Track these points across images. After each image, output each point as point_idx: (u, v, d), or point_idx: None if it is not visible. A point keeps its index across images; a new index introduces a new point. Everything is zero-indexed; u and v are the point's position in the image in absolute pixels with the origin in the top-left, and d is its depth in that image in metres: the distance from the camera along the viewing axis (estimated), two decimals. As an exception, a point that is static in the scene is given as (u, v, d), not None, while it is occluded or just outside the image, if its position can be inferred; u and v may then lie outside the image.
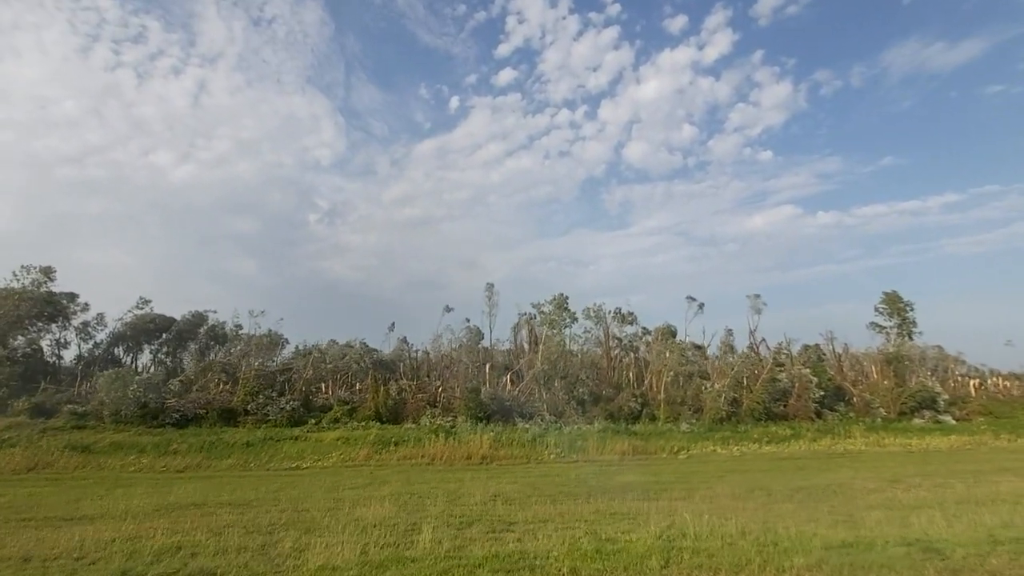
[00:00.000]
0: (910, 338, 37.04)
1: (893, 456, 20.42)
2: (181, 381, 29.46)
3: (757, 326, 40.84)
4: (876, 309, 37.35)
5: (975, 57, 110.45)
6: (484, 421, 27.72)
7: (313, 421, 25.56)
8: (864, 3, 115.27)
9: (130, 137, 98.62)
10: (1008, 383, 41.02)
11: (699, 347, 41.32)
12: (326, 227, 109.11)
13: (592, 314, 41.39)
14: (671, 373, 35.81)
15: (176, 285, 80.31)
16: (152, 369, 33.58)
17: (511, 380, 34.35)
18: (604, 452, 20.87)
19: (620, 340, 43.67)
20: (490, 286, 40.36)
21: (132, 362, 37.02)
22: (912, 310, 36.38)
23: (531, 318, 36.90)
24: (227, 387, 29.44)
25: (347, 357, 32.07)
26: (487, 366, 33.06)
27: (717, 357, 39.24)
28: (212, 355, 36.28)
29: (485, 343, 42.36)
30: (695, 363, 39.39)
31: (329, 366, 31.49)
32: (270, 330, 37.05)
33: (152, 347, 37.95)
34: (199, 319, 38.08)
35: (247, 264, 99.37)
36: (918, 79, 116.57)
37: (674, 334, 43.36)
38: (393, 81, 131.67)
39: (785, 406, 34.83)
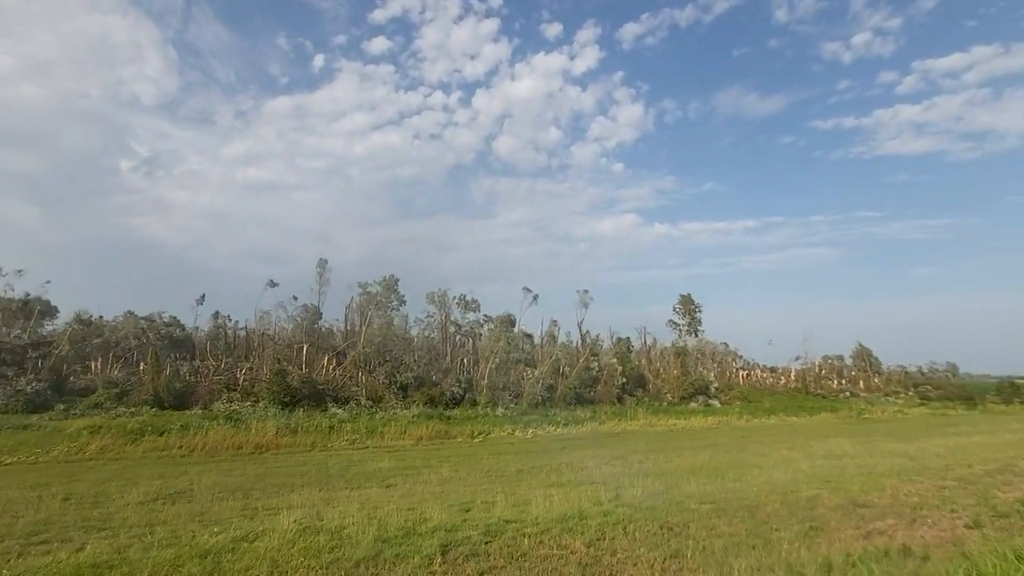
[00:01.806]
0: (696, 335, 43.43)
1: (654, 434, 23.65)
2: None
3: (584, 319, 44.38)
4: (674, 309, 43.09)
5: (778, 110, 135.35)
6: (290, 406, 25.99)
7: (62, 407, 21.41)
8: (703, 46, 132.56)
9: None
10: (765, 375, 50.23)
11: (528, 336, 43.76)
12: (143, 178, 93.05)
13: (436, 299, 41.39)
14: (496, 360, 37.33)
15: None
16: None
17: (335, 362, 32.75)
18: (404, 437, 20.81)
19: (460, 327, 44.34)
20: (323, 262, 37.80)
21: None
22: (700, 311, 42.70)
23: (367, 299, 35.47)
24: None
25: (123, 331, 27.50)
26: (304, 348, 31.01)
27: (540, 346, 41.85)
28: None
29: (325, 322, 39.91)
30: (524, 351, 41.64)
31: (96, 341, 26.69)
32: (27, 294, 30.26)
33: None
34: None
35: (25, 211, 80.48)
36: (737, 121, 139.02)
37: (513, 323, 45.23)
38: (246, 23, 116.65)
39: (594, 392, 38.69)
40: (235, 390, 26.36)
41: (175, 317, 37.01)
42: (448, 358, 39.41)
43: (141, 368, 27.40)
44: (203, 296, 38.15)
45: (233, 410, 23.87)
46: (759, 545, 4.86)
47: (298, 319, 38.92)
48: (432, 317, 41.45)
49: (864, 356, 46.70)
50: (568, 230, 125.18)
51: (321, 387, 28.37)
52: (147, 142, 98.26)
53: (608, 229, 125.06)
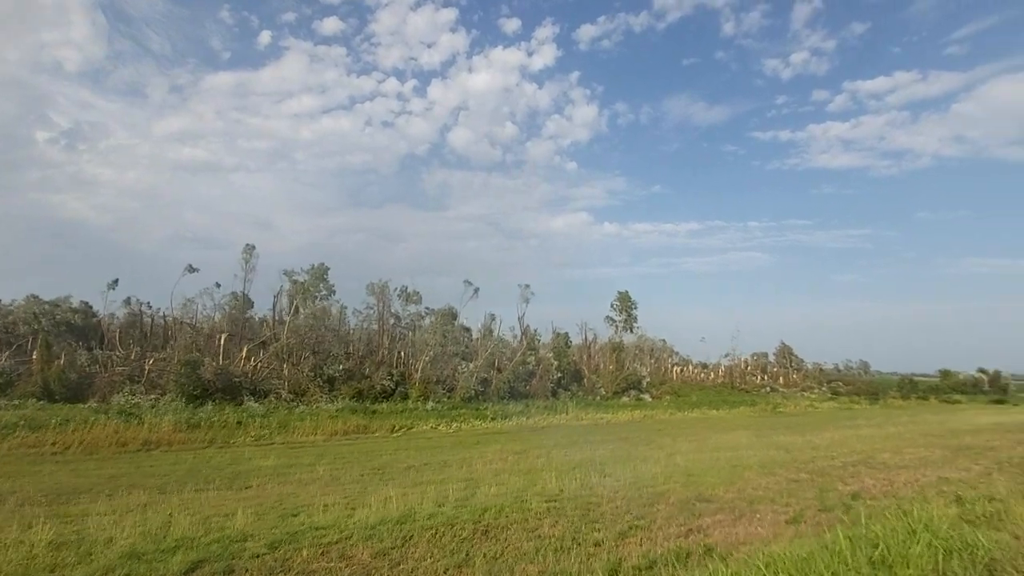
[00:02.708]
0: (631, 331, 44.54)
1: (576, 428, 23.96)
2: None
3: (524, 313, 44.47)
4: (611, 306, 43.96)
5: (722, 120, 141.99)
6: (200, 400, 24.61)
7: (-74, 399, 19.30)
8: (656, 53, 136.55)
9: None
10: (697, 370, 52.18)
11: (467, 330, 43.47)
12: (62, 151, 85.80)
13: (376, 290, 40.34)
14: (431, 353, 36.84)
15: None
16: None
17: (257, 354, 31.27)
18: (316, 433, 20.08)
19: (400, 319, 43.45)
20: (249, 248, 35.88)
21: None
22: (636, 308, 43.79)
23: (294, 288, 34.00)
24: None
25: (12, 316, 25.15)
26: (222, 337, 29.41)
27: (477, 340, 41.68)
28: None
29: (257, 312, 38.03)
30: (462, 345, 41.30)
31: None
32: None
33: None
34: None
35: (-82, 181, 72.37)
36: (684, 127, 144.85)
37: (456, 316, 44.73)
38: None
39: (529, 386, 38.96)
40: (139, 382, 24.65)
41: (87, 303, 34.36)
42: (386, 351, 38.60)
43: (33, 357, 25.16)
44: (116, 280, 35.62)
45: (134, 404, 22.32)
46: (567, 548, 4.80)
47: (226, 308, 37.05)
48: (372, 309, 40.50)
49: (786, 354, 49.39)
50: (521, 226, 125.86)
51: (238, 380, 27.02)
52: (68, 112, 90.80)
53: (560, 226, 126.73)
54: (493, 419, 27.76)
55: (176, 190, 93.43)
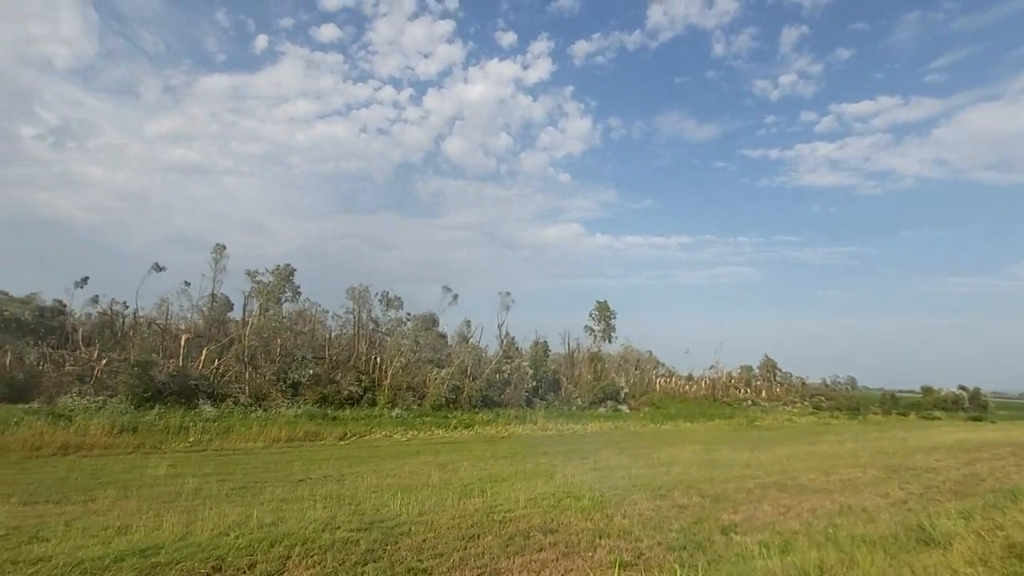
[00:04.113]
0: (609, 341, 43.88)
1: (533, 439, 23.25)
2: None
3: (504, 321, 43.84)
4: (590, 315, 43.34)
5: (712, 137, 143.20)
6: (152, 402, 24.03)
7: None
8: (649, 70, 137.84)
9: None
10: (681, 382, 51.44)
11: (443, 336, 42.86)
12: (50, 148, 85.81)
13: (356, 295, 39.93)
14: (402, 359, 36.25)
15: None
16: None
17: (220, 356, 30.70)
18: (258, 439, 19.48)
19: (379, 324, 42.94)
20: (219, 248, 35.31)
21: None
22: (614, 318, 43.15)
23: (257, 289, 33.47)
24: None
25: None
26: (183, 338, 28.88)
27: (451, 347, 41.08)
28: None
29: (236, 314, 37.51)
30: (437, 351, 40.67)
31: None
32: None
33: None
34: None
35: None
36: (676, 144, 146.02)
37: (436, 322, 44.16)
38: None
39: (503, 394, 38.28)
40: (89, 383, 24.09)
41: (60, 301, 33.87)
42: (363, 356, 38.03)
43: (-19, 356, 24.63)
44: (85, 279, 35.21)
45: (78, 405, 21.73)
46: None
47: (204, 309, 36.58)
48: (351, 313, 40.00)
49: (769, 367, 48.67)
50: (513, 235, 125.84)
51: (194, 382, 26.42)
52: (56, 109, 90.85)
53: (553, 236, 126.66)
54: (455, 428, 27.15)
55: (167, 192, 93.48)
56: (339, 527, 5.55)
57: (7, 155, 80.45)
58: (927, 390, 53.69)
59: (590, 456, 14.55)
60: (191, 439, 18.81)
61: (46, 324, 30.59)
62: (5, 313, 25.79)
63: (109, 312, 34.88)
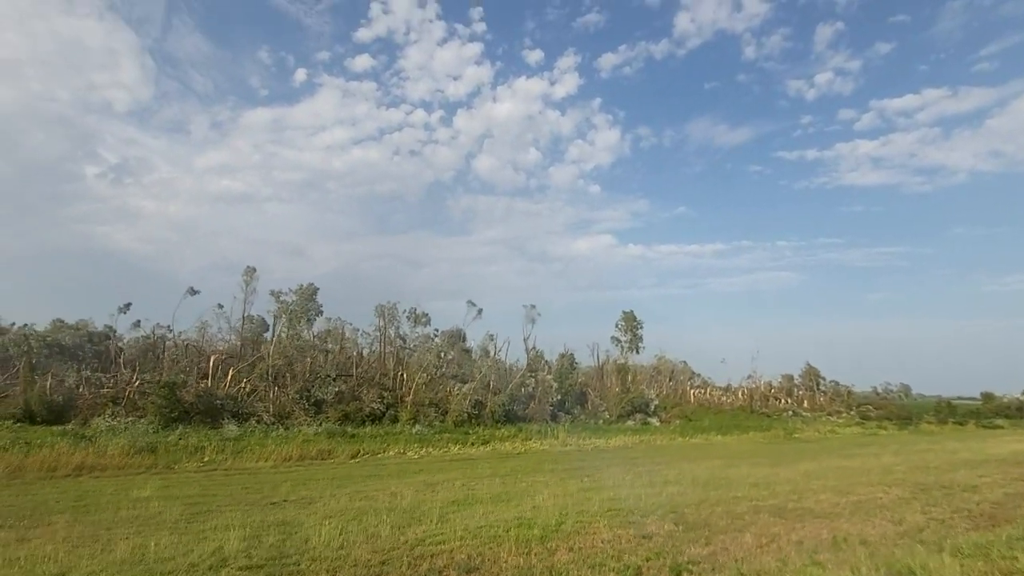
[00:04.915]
0: (636, 351, 42.49)
1: (550, 455, 22.45)
2: None
3: (530, 334, 43.25)
4: (617, 326, 42.18)
5: (746, 141, 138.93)
6: (177, 423, 24.80)
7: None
8: (677, 78, 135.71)
9: None
10: (718, 393, 49.29)
11: (467, 351, 42.64)
12: (110, 185, 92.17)
13: (384, 312, 40.45)
14: (425, 375, 36.22)
15: None
16: None
17: (247, 375, 31.56)
18: (269, 459, 19.66)
19: (406, 341, 43.23)
20: (250, 270, 36.52)
21: None
22: (641, 328, 41.81)
23: (282, 309, 34.33)
24: None
25: (2, 339, 26.30)
26: (211, 359, 29.87)
27: (476, 361, 40.77)
28: None
29: (271, 335, 38.70)
30: (460, 367, 40.48)
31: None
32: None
33: None
34: None
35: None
36: (707, 149, 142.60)
37: (463, 338, 44.10)
38: (227, 35, 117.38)
39: (527, 409, 37.57)
40: (121, 404, 25.14)
41: (110, 326, 35.82)
42: (390, 373, 38.30)
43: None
44: (128, 304, 37.11)
45: (107, 426, 22.65)
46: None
47: (239, 330, 37.89)
48: (379, 331, 40.46)
49: (812, 376, 45.88)
50: (544, 249, 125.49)
51: (220, 402, 27.17)
52: (116, 149, 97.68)
53: (584, 249, 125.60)
54: (473, 444, 26.69)
55: (214, 220, 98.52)
56: (230, 564, 5.21)
57: (73, 193, 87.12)
58: (988, 396, 49.20)
59: (592, 474, 13.82)
60: (205, 459, 19.12)
61: (94, 348, 32.36)
62: (48, 339, 27.33)
63: (152, 336, 36.62)
